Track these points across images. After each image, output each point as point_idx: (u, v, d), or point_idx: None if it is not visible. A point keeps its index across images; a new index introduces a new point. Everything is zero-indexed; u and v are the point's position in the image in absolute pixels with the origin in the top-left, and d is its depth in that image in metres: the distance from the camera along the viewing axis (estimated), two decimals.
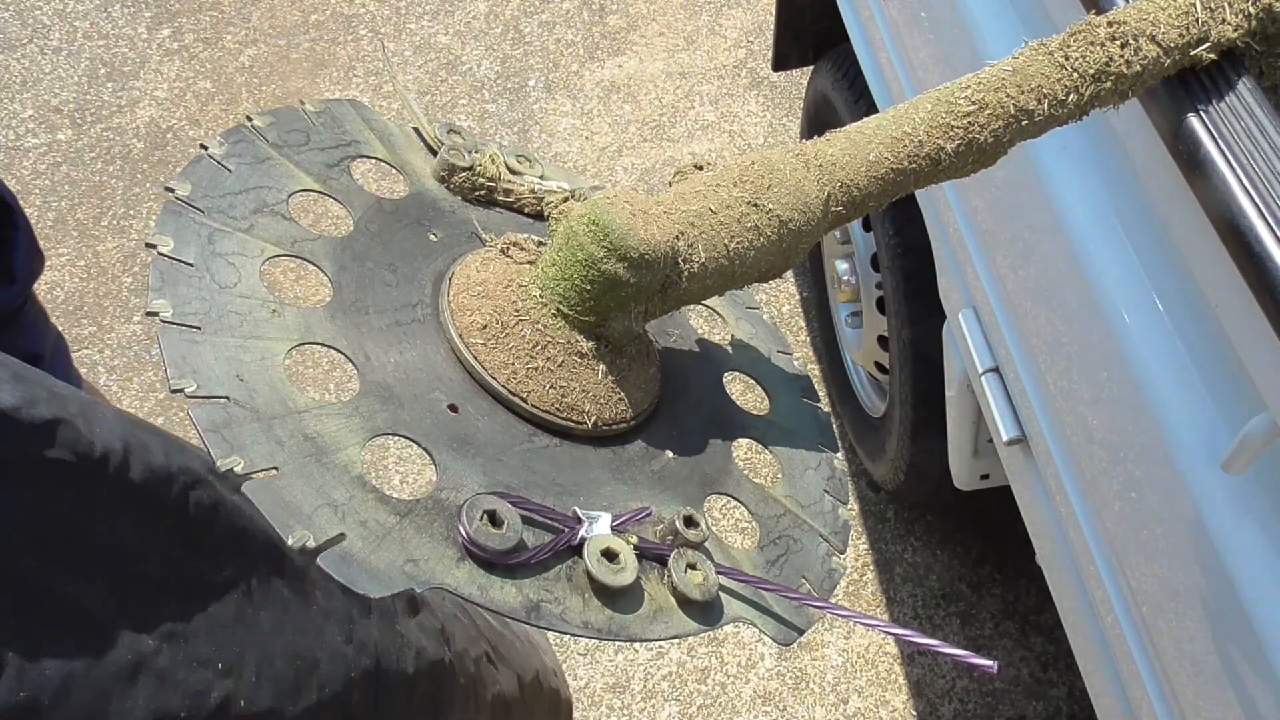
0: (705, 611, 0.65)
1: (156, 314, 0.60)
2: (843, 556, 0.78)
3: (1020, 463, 1.24)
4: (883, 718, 1.83)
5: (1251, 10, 0.80)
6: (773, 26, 2.01)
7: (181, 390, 0.57)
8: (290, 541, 0.54)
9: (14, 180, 2.65)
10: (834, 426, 0.92)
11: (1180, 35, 0.79)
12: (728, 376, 0.91)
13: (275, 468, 0.57)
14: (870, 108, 1.62)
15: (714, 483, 0.78)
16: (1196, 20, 0.79)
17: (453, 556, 0.59)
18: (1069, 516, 1.11)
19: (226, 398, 0.58)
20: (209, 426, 0.56)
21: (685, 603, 0.64)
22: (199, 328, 0.61)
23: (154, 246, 0.64)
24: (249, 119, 0.77)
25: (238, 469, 0.55)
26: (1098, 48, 0.79)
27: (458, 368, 0.71)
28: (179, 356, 0.59)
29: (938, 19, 1.28)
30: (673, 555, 0.65)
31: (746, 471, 0.82)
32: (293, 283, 2.39)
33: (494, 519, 0.60)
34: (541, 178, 0.92)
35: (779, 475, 0.83)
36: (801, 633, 0.69)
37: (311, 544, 0.54)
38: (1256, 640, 0.82)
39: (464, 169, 0.88)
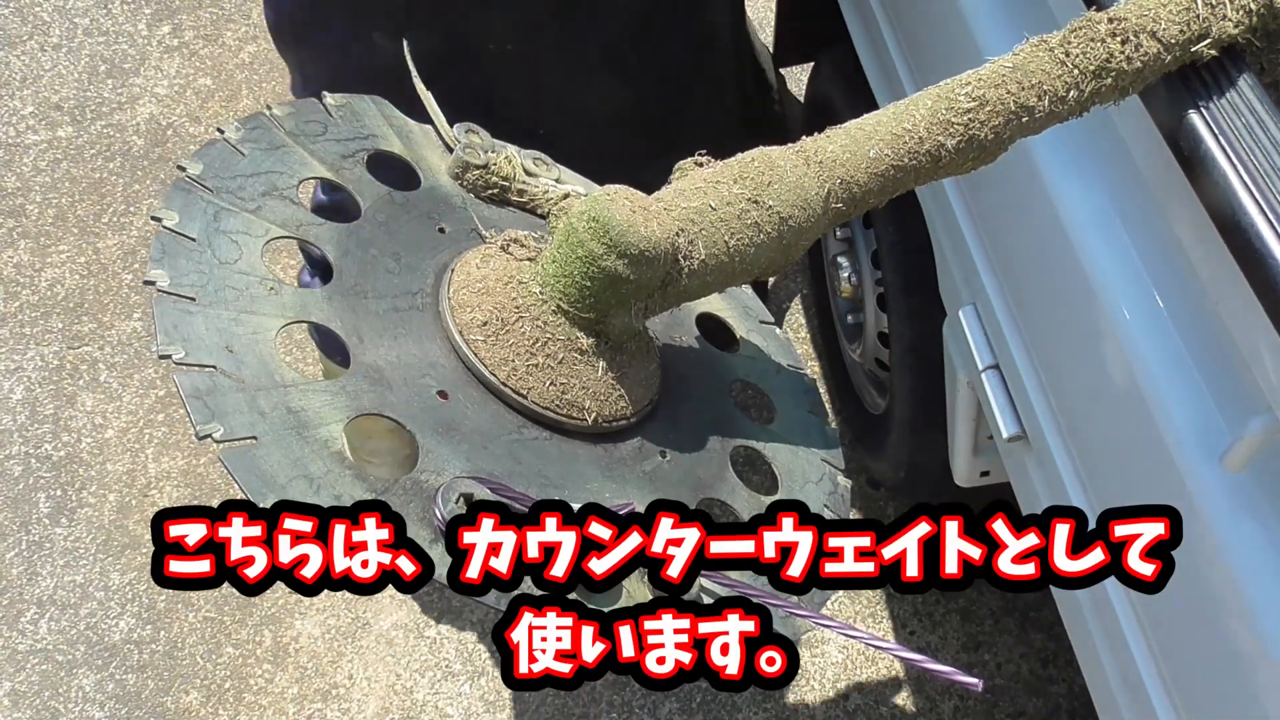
0: None
1: (154, 283, 0.61)
2: None
3: (1020, 459, 1.24)
4: (883, 714, 1.83)
5: (1253, 6, 0.80)
6: (772, 23, 2.01)
7: (169, 356, 0.58)
8: None
9: (14, 177, 2.65)
10: (840, 440, 0.92)
11: (1181, 31, 0.79)
12: (734, 386, 0.91)
13: (254, 437, 0.57)
14: (870, 105, 1.62)
15: (707, 487, 0.77)
16: (1197, 16, 0.79)
17: (425, 537, 0.59)
18: None
19: (214, 367, 0.59)
20: (192, 393, 0.57)
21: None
22: (194, 299, 0.62)
23: (159, 220, 0.65)
24: (268, 108, 0.78)
25: (216, 435, 0.56)
26: (1098, 44, 0.79)
27: (452, 356, 0.71)
28: (170, 325, 0.59)
29: (938, 15, 1.28)
30: None
31: (743, 480, 0.82)
32: (292, 279, 2.39)
33: (470, 503, 0.60)
34: (558, 180, 0.92)
35: (778, 486, 0.83)
36: None
37: None
38: (1256, 638, 0.82)
39: (478, 167, 0.88)
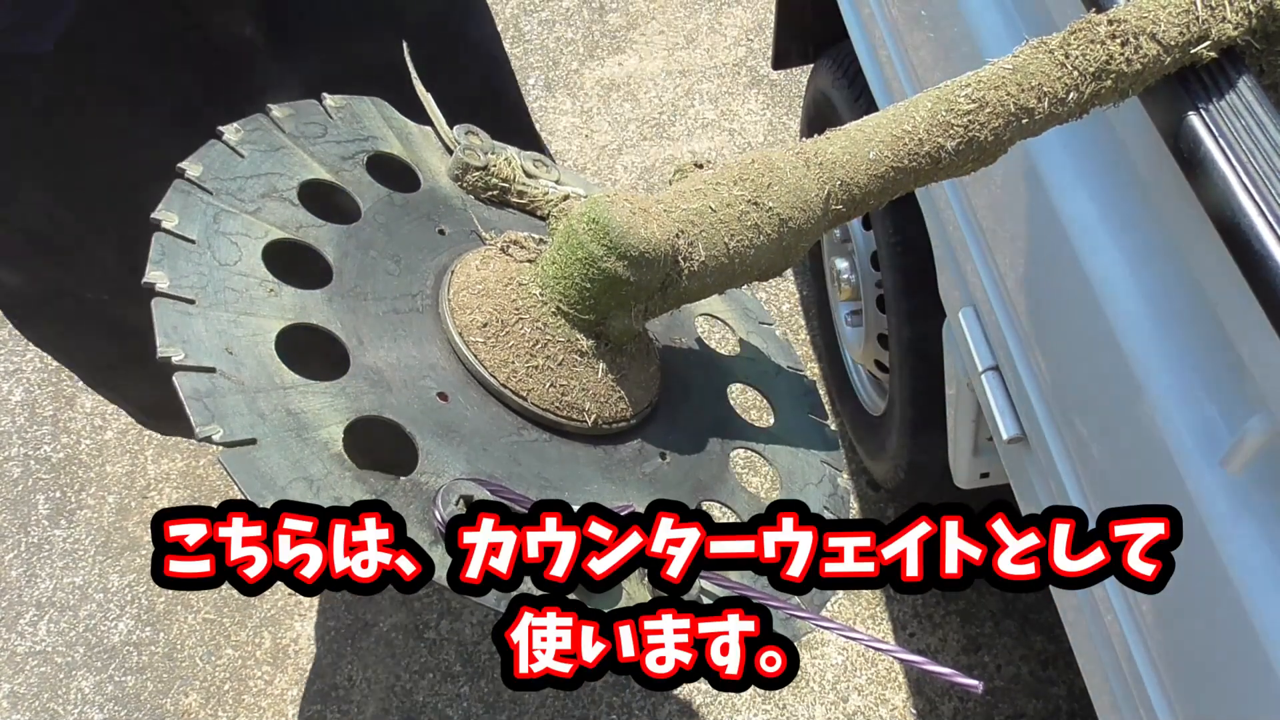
0: None
1: (153, 285, 0.61)
2: None
3: (1020, 461, 1.24)
4: (882, 716, 1.83)
5: (1252, 8, 0.80)
6: (773, 24, 2.01)
7: (169, 358, 0.58)
8: None
9: None
10: (839, 440, 0.93)
11: (1180, 33, 0.79)
12: (735, 388, 0.91)
13: (254, 439, 0.57)
14: (870, 106, 1.62)
15: (706, 489, 0.78)
16: (1197, 18, 0.79)
17: (425, 539, 0.59)
18: None
19: (213, 369, 0.59)
20: (192, 394, 0.57)
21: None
22: (193, 300, 0.62)
23: (158, 221, 0.65)
24: (268, 108, 0.78)
25: (216, 437, 0.56)
26: (1098, 46, 0.79)
27: (452, 358, 0.71)
28: (170, 326, 0.60)
29: (938, 16, 1.28)
30: None
31: (743, 482, 0.82)
32: None
33: (470, 504, 0.60)
34: (557, 182, 0.92)
35: (777, 488, 0.83)
36: None
37: None
38: (1256, 639, 0.82)
39: (478, 168, 0.88)
